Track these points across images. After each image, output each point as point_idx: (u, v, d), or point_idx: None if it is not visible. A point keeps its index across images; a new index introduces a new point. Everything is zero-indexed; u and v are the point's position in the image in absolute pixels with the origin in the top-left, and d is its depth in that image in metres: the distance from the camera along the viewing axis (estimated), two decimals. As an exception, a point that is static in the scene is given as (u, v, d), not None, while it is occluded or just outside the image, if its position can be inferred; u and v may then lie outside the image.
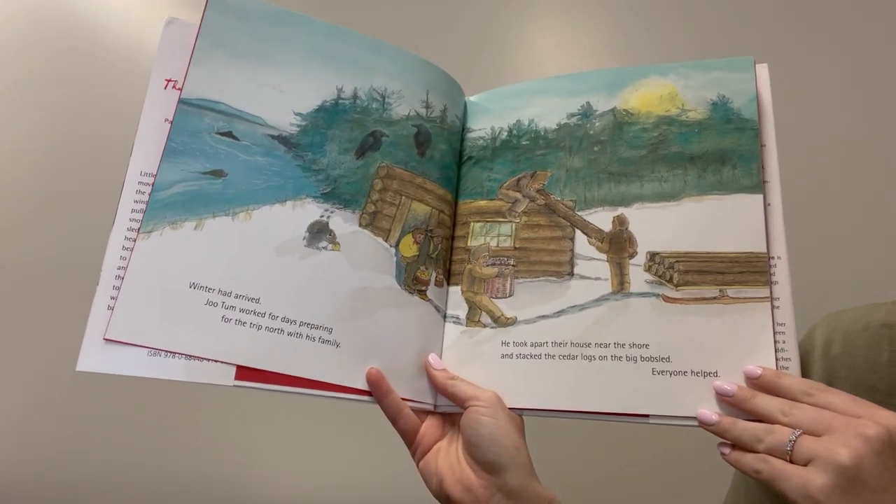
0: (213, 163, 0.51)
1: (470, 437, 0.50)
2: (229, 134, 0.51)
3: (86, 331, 0.48)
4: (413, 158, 0.56)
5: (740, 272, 0.50)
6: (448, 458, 0.52)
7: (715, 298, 0.50)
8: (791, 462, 0.42)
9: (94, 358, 0.47)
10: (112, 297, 0.48)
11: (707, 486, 0.64)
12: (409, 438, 0.53)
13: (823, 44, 1.08)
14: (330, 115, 0.54)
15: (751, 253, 0.50)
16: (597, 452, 0.98)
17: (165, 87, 0.53)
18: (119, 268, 0.49)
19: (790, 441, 0.42)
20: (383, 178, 0.54)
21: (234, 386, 0.49)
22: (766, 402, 0.45)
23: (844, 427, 0.41)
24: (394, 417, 0.52)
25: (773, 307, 0.49)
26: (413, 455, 0.54)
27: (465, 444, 0.51)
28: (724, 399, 0.47)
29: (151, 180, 0.50)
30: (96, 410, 0.98)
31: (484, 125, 0.60)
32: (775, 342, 0.48)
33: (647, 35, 1.11)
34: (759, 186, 0.51)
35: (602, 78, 0.57)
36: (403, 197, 0.55)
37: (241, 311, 0.50)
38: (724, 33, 1.09)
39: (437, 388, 0.53)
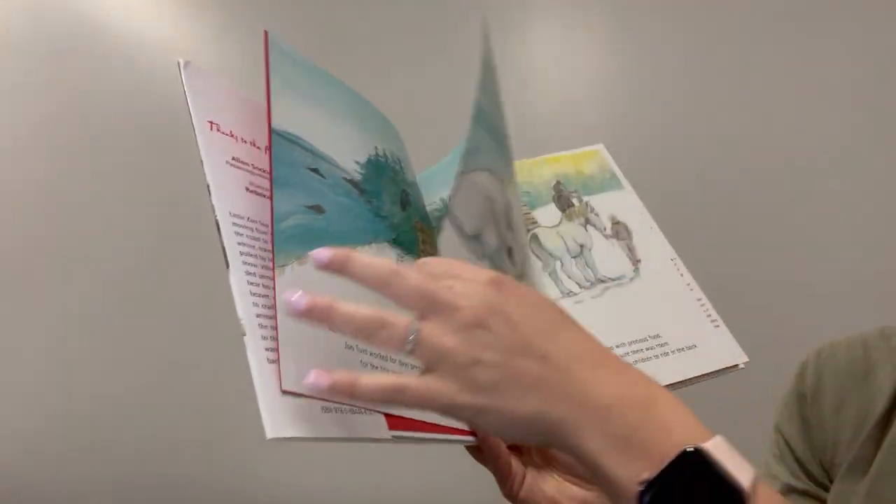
0: (313, 197, 0.46)
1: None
2: (317, 171, 0.47)
3: (257, 393, 0.36)
4: (425, 217, 0.59)
5: None
6: (550, 483, 0.52)
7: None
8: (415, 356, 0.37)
9: (282, 420, 0.36)
10: (267, 349, 0.39)
11: None
12: (506, 473, 0.52)
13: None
14: (377, 168, 0.54)
15: None
16: None
17: (211, 129, 0.46)
18: (258, 315, 0.40)
19: (410, 340, 0.36)
20: (419, 230, 0.56)
21: (393, 438, 0.42)
22: (365, 268, 0.38)
23: (445, 307, 0.36)
24: (497, 454, 0.51)
25: None
26: (509, 489, 0.52)
27: (567, 467, 0.52)
28: (324, 269, 0.38)
29: (242, 221, 0.43)
30: (96, 410, 1.00)
31: (434, 198, 0.66)
32: None
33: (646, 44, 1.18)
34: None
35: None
36: (431, 250, 0.57)
37: (372, 354, 0.44)
38: (721, 32, 1.18)
39: None
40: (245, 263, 0.41)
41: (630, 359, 0.61)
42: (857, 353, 0.62)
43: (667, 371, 0.60)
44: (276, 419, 0.36)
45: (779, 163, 1.14)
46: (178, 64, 0.47)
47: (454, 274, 0.38)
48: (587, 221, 0.70)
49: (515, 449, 0.55)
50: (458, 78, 1.23)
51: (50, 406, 0.96)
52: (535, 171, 0.73)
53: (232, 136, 0.47)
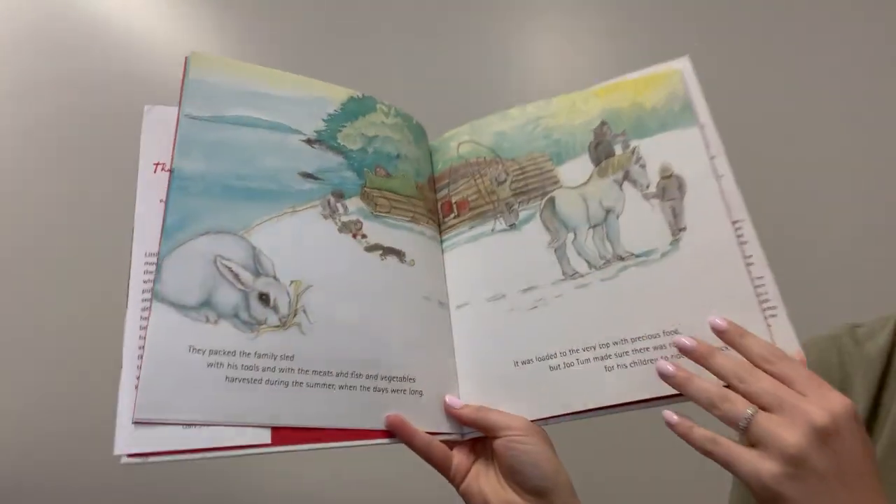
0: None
1: (512, 466, 0.50)
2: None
3: (116, 415, 0.47)
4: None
5: None
6: (489, 480, 0.52)
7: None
8: (745, 433, 0.43)
9: (128, 441, 0.46)
10: (137, 378, 0.47)
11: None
12: (445, 468, 0.53)
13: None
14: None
15: None
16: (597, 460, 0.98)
17: (155, 171, 0.54)
18: (140, 347, 0.48)
19: (745, 418, 0.43)
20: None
21: (273, 451, 0.49)
22: (724, 363, 0.46)
23: (794, 409, 0.42)
24: (426, 455, 0.52)
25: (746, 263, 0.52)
26: (451, 482, 0.54)
27: (506, 472, 0.51)
28: (685, 353, 0.48)
29: (155, 259, 0.50)
30: (96, 409, 0.96)
31: None
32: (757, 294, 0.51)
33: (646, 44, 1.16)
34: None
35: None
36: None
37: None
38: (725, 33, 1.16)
39: (466, 423, 0.54)
40: (144, 300, 0.49)
41: (628, 359, 0.52)
42: (833, 361, 0.60)
43: None
44: (124, 440, 0.45)
45: (779, 157, 1.11)
46: (144, 110, 0.55)
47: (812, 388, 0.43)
48: (625, 177, 0.57)
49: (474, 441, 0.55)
50: (455, 75, 1.13)
51: (49, 406, 0.97)
52: (579, 107, 0.61)
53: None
